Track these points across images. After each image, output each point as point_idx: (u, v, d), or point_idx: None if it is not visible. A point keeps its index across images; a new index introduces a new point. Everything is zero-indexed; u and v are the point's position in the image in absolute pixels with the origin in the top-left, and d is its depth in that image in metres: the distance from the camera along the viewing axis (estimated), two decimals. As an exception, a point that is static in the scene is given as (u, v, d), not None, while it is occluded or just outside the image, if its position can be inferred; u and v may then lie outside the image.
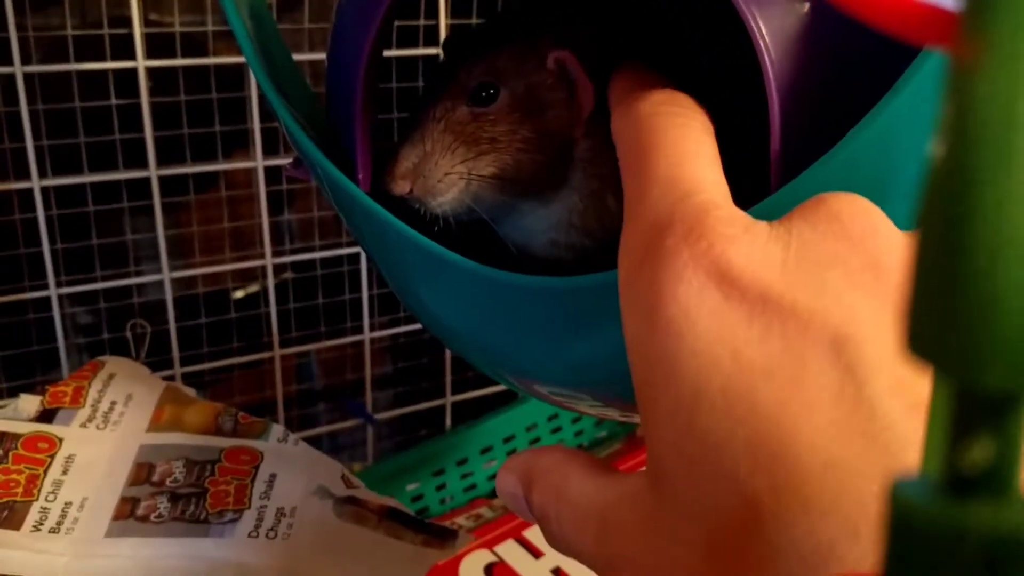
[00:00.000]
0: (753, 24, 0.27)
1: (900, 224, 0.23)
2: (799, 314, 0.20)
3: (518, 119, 0.34)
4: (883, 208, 0.23)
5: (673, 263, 0.21)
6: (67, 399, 0.51)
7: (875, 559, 0.17)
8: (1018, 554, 0.09)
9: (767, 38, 0.27)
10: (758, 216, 0.23)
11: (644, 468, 0.22)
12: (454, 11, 0.70)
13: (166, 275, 0.65)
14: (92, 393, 0.52)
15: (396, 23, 0.64)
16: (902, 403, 0.19)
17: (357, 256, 0.74)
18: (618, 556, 0.22)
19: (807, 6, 0.27)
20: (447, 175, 0.34)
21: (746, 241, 0.21)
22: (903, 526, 0.09)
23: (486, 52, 0.35)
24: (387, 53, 0.64)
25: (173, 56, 0.64)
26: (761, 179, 0.27)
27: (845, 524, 0.18)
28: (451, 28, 0.69)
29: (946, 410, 0.09)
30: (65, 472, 0.47)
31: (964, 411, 0.09)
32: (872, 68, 0.27)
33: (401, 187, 0.34)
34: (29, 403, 0.50)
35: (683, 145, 0.24)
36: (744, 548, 0.19)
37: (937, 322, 0.08)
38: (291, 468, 0.49)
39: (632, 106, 0.27)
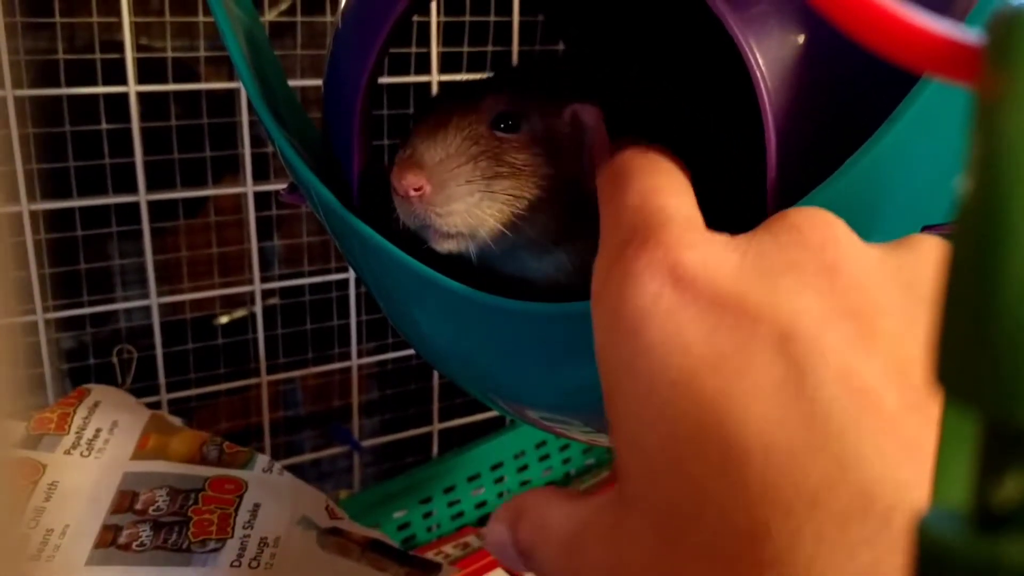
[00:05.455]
0: (750, 55, 0.27)
1: None
2: (748, 311, 0.21)
3: (537, 155, 0.33)
4: (875, 233, 0.23)
5: (631, 269, 0.22)
6: (52, 425, 0.50)
7: (806, 535, 0.18)
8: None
9: (764, 68, 0.27)
10: None
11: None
12: (445, 40, 0.71)
13: (153, 300, 0.65)
14: (77, 420, 0.51)
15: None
16: (846, 389, 0.19)
17: (345, 282, 0.74)
18: (583, 567, 0.23)
19: (803, 36, 0.27)
20: (468, 182, 0.32)
21: (702, 248, 0.22)
22: (934, 561, 0.09)
23: (512, 87, 0.34)
24: (379, 80, 0.64)
25: (164, 81, 0.64)
26: (759, 207, 0.27)
27: (780, 503, 0.19)
28: (442, 56, 0.69)
29: (971, 443, 0.09)
30: (48, 499, 0.46)
31: (996, 446, 0.09)
32: (866, 97, 0.28)
33: (412, 181, 0.31)
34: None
35: (650, 181, 0.25)
36: (688, 535, 0.20)
37: (969, 357, 0.08)
38: (275, 498, 0.49)
39: (611, 159, 0.28)
